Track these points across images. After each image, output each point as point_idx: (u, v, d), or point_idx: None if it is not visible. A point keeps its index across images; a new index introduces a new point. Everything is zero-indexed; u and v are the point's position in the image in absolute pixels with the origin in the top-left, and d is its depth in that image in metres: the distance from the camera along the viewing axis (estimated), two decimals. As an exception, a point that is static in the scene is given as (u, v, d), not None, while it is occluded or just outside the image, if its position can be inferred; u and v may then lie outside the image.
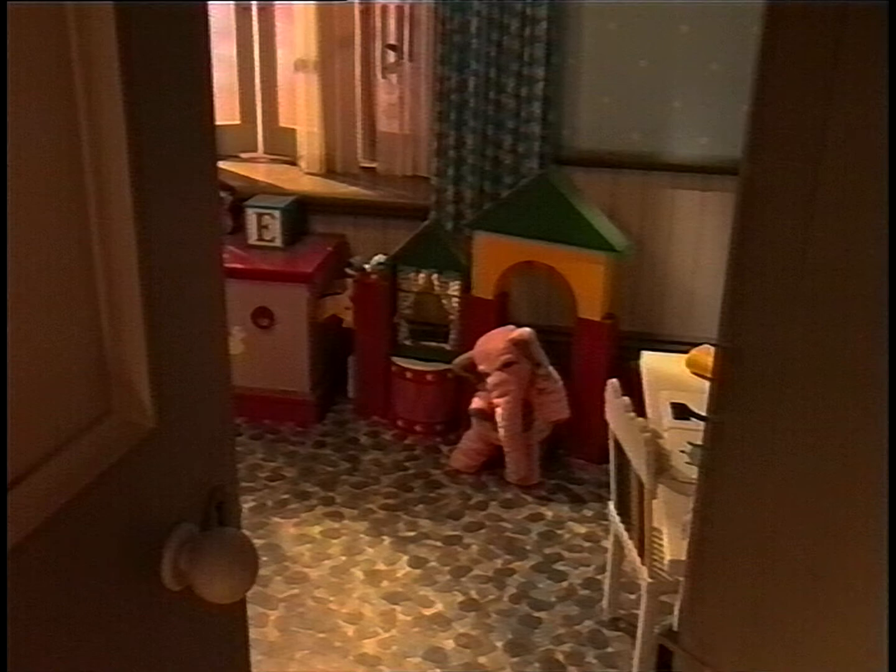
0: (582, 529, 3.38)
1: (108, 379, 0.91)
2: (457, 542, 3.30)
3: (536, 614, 2.98)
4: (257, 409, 3.87)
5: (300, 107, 4.18)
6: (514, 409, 3.50)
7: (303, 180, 4.21)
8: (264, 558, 3.10)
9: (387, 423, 3.96)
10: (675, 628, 1.30)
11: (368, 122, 4.25)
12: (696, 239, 3.82)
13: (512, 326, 3.58)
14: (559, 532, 3.37)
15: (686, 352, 2.88)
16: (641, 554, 2.49)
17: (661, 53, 3.68)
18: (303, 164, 4.26)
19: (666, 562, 2.29)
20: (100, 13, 0.81)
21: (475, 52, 3.66)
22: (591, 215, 3.52)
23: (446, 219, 3.89)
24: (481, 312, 3.71)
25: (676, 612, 1.59)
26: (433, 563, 3.19)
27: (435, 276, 3.78)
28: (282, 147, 4.37)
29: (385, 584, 3.09)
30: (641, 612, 2.53)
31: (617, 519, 2.74)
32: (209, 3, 1.00)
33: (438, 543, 3.29)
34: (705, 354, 2.69)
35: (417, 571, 3.15)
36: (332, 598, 3.01)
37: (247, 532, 1.08)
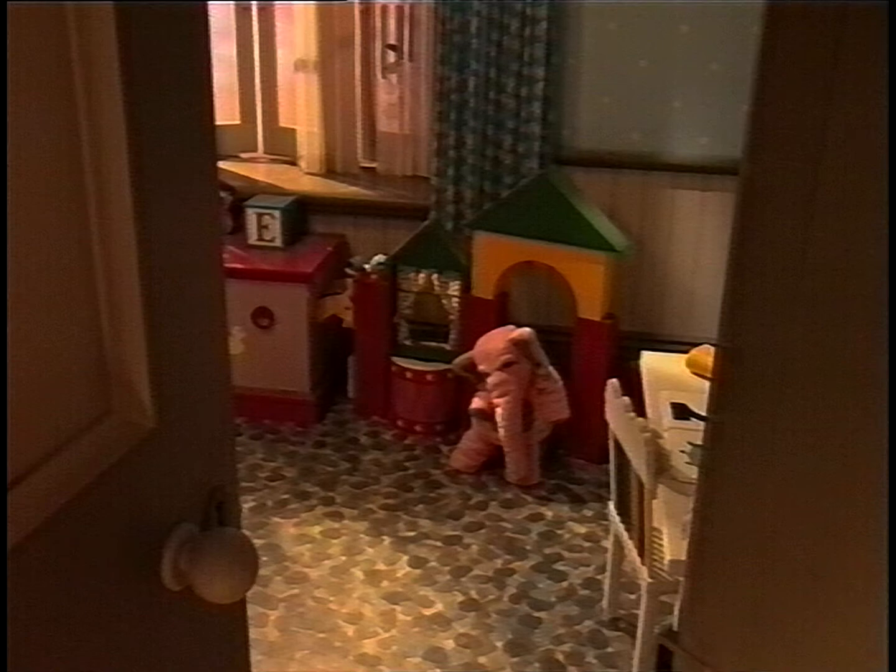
0: (582, 529, 3.38)
1: (108, 379, 0.91)
2: (457, 542, 3.30)
3: (536, 614, 2.98)
4: (257, 409, 3.87)
5: (300, 107, 4.18)
6: (514, 409, 3.50)
7: (303, 180, 4.21)
8: (264, 558, 3.10)
9: (387, 423, 3.96)
10: (675, 628, 1.30)
11: (368, 122, 4.25)
12: (696, 239, 3.82)
13: (512, 326, 3.58)
14: (559, 532, 3.37)
15: (686, 352, 2.88)
16: (641, 554, 2.49)
17: (661, 53, 3.68)
18: (303, 164, 4.26)
19: (666, 562, 2.29)
20: (100, 13, 0.81)
21: (475, 52, 3.66)
22: (591, 215, 3.52)
23: (446, 219, 3.89)
24: (481, 312, 3.71)
25: (676, 612, 1.59)
26: (433, 563, 3.19)
27: (435, 276, 3.78)
28: (282, 147, 4.37)
29: (385, 584, 3.09)
30: (641, 612, 2.53)
31: (617, 519, 2.74)
32: (209, 3, 1.00)
33: (438, 543, 3.29)
34: (705, 354, 2.69)
35: (417, 571, 3.15)
36: (332, 598, 3.01)
37: (247, 532, 1.08)
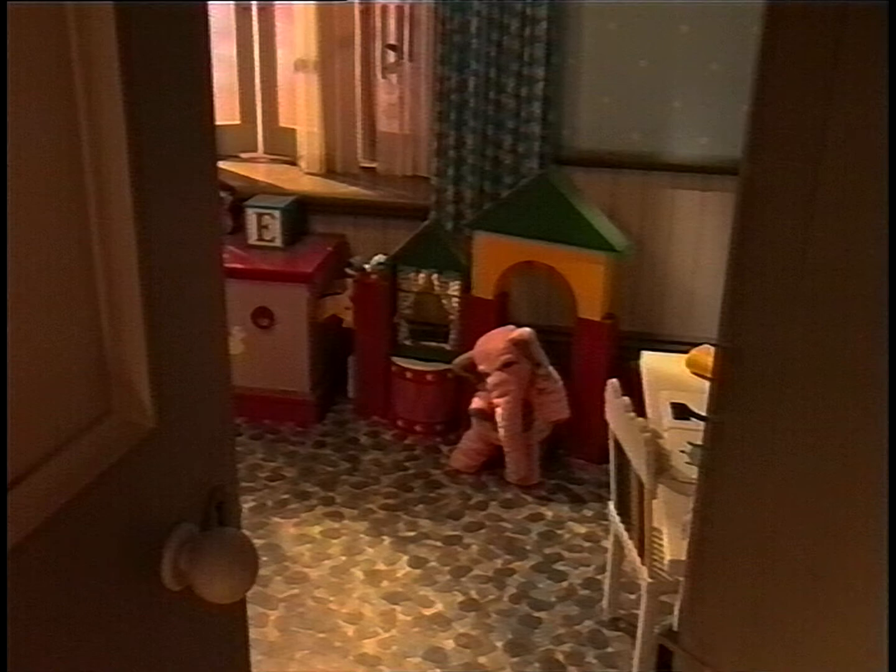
0: (582, 529, 3.38)
1: (108, 379, 0.91)
2: (457, 542, 3.30)
3: (536, 614, 2.98)
4: (257, 409, 3.87)
5: (300, 107, 4.18)
6: (514, 409, 3.50)
7: (303, 180, 4.21)
8: (264, 558, 3.10)
9: (387, 423, 3.96)
10: (675, 628, 1.30)
11: (368, 122, 4.25)
12: (696, 239, 3.82)
13: (512, 326, 3.58)
14: (559, 532, 3.37)
15: (686, 352, 2.88)
16: (641, 554, 2.49)
17: (661, 53, 3.68)
18: (303, 164, 4.26)
19: (666, 562, 2.29)
20: (100, 13, 0.81)
21: (475, 52, 3.66)
22: (591, 215, 3.52)
23: (446, 219, 3.89)
24: (481, 312, 3.71)
25: (676, 612, 1.59)
26: (433, 563, 3.19)
27: (435, 276, 3.78)
28: (282, 147, 4.37)
29: (385, 584, 3.09)
30: (641, 612, 2.53)
31: (617, 519, 2.74)
32: (209, 3, 1.00)
33: (438, 543, 3.29)
34: (705, 354, 2.69)
35: (417, 571, 3.15)
36: (332, 598, 3.01)
37: (247, 532, 1.08)
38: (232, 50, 4.28)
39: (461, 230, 3.82)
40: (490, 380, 3.52)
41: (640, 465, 2.35)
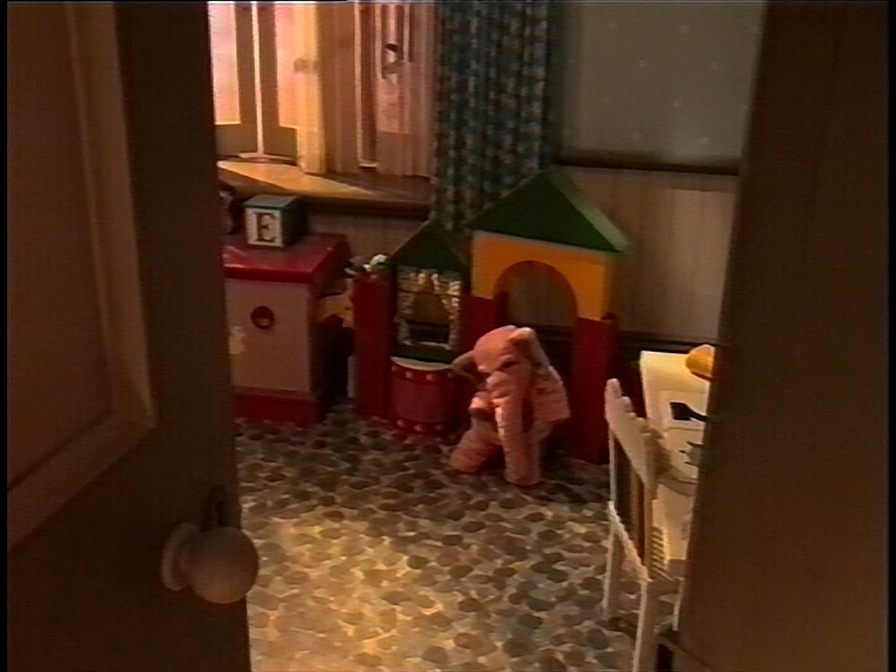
0: (582, 529, 3.38)
1: (108, 379, 0.91)
2: (457, 542, 3.30)
3: (536, 614, 2.98)
4: (257, 409, 3.87)
5: (300, 107, 4.18)
6: (514, 409, 3.50)
7: (303, 180, 4.21)
8: (264, 558, 3.10)
9: (387, 423, 3.96)
10: (675, 628, 1.30)
11: (368, 122, 4.25)
12: (696, 239, 3.82)
13: (512, 326, 3.58)
14: (559, 532, 3.37)
15: (686, 352, 2.88)
16: (641, 554, 2.49)
17: (661, 53, 3.68)
18: (303, 164, 4.26)
19: (666, 562, 2.29)
20: (100, 13, 0.81)
21: (475, 52, 3.66)
22: (591, 215, 3.52)
23: (446, 219, 3.89)
24: (481, 312, 3.71)
25: (676, 612, 1.59)
26: (433, 563, 3.19)
27: (435, 276, 3.78)
28: (282, 147, 4.37)
29: (385, 584, 3.09)
30: (641, 612, 2.53)
31: (617, 519, 2.74)
32: (209, 3, 1.00)
33: (438, 543, 3.29)
34: (705, 354, 2.69)
35: (417, 571, 3.15)
36: (332, 598, 3.01)
37: (247, 532, 1.08)
38: (232, 50, 4.28)
39: (461, 230, 3.82)
40: (490, 380, 3.52)
41: (640, 465, 2.35)
